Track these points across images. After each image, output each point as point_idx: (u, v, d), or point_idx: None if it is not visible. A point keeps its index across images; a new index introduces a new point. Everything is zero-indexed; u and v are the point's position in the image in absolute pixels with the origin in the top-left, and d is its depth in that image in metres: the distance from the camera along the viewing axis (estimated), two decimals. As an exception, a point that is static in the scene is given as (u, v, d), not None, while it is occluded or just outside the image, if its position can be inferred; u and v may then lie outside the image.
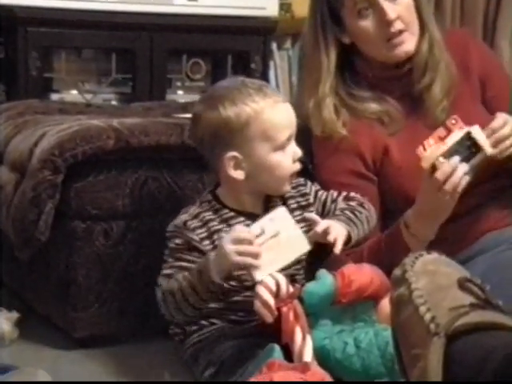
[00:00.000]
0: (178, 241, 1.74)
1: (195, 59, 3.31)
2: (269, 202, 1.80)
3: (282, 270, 1.67)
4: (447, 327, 1.23)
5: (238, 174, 1.73)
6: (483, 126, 1.78)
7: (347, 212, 1.79)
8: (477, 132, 1.74)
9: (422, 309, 1.29)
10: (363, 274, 1.69)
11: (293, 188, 1.82)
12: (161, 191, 2.05)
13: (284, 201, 1.81)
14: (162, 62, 3.20)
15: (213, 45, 3.27)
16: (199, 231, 1.74)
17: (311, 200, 1.84)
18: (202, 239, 1.74)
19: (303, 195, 1.84)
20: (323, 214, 1.82)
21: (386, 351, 1.58)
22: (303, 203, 1.83)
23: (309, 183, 1.86)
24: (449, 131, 1.74)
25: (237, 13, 3.26)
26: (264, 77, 3.32)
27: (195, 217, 1.76)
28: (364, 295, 1.68)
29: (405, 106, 1.96)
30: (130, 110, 2.60)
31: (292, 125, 1.74)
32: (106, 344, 2.01)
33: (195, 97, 3.27)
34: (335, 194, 1.86)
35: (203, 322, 1.77)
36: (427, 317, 1.27)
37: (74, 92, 3.14)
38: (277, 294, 1.61)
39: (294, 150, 1.74)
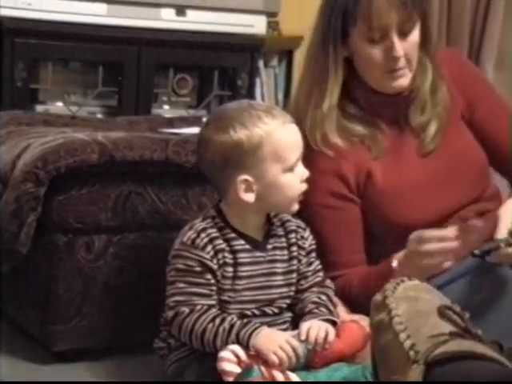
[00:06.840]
0: (189, 262, 1.69)
1: (182, 74, 3.31)
2: (270, 230, 1.79)
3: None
4: (426, 355, 1.23)
5: (249, 197, 1.71)
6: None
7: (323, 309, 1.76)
8: None
9: (402, 335, 1.29)
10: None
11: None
12: (144, 206, 2.04)
13: (286, 233, 1.80)
14: (148, 76, 3.20)
15: (200, 60, 3.27)
16: (208, 249, 1.71)
17: (306, 245, 1.82)
18: (212, 257, 1.71)
19: (302, 237, 1.82)
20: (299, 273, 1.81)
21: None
22: (299, 243, 1.81)
23: (307, 231, 1.84)
24: None
25: (224, 29, 3.27)
26: (250, 93, 3.34)
27: (200, 233, 1.72)
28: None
29: (393, 130, 1.95)
30: (115, 124, 2.59)
31: (300, 145, 1.75)
32: (85, 358, 2.00)
33: (181, 112, 3.28)
34: (318, 266, 1.83)
35: None
36: (407, 344, 1.27)
37: (60, 104, 3.14)
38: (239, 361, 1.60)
39: (302, 171, 1.75)
